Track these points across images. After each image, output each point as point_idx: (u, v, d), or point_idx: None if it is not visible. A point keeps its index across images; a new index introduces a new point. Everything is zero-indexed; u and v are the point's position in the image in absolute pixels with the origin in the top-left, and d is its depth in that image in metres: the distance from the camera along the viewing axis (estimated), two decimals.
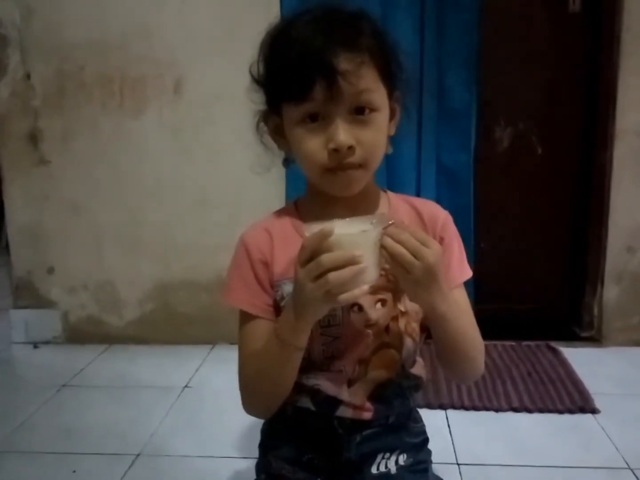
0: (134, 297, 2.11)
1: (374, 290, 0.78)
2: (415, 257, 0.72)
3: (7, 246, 2.31)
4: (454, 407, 1.60)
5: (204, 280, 2.06)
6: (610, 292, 2.00)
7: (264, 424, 0.99)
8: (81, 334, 2.12)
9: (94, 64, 1.98)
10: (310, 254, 0.71)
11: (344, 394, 0.87)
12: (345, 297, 0.71)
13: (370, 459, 0.90)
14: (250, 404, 0.89)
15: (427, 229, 0.89)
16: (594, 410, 1.56)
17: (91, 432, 1.53)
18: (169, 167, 2.04)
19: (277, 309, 0.87)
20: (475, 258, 1.97)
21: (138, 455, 1.42)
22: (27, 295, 2.13)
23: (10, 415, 1.63)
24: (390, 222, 0.74)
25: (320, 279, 0.70)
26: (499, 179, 2.07)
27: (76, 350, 2.06)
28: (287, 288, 0.84)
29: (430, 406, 1.59)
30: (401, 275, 0.74)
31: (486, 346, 0.90)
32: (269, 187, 1.94)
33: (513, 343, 1.99)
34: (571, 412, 1.56)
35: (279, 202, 1.95)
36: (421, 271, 0.73)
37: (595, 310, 2.04)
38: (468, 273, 0.91)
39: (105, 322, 2.12)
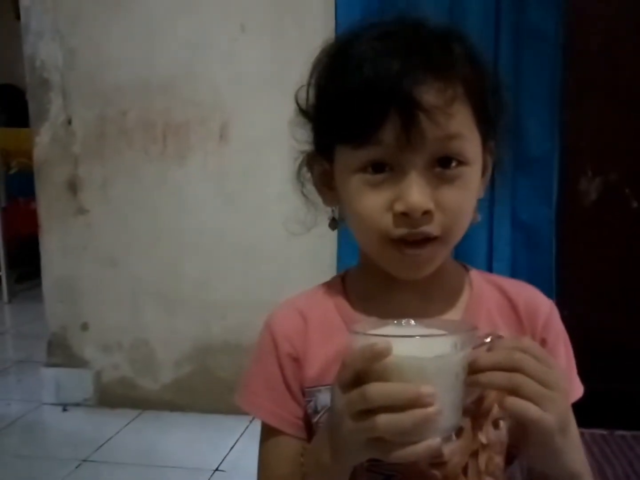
0: (170, 358, 1.96)
1: None
2: (543, 385, 0.50)
3: None
4: None
5: (246, 342, 1.87)
6: None
7: None
8: (113, 397, 1.97)
9: (136, 108, 1.89)
10: (354, 376, 0.49)
11: None
12: (402, 454, 0.47)
13: None
14: None
15: (524, 324, 0.66)
16: None
17: None
18: (213, 218, 1.91)
19: (308, 424, 0.65)
20: None
21: None
22: (60, 352, 2.01)
23: None
24: (487, 340, 0.51)
25: (365, 418, 0.48)
26: (585, 237, 1.82)
27: (106, 416, 1.92)
28: (324, 398, 0.62)
29: None
30: (532, 418, 0.49)
31: None
32: (320, 241, 1.76)
33: (604, 432, 1.70)
34: None
35: (331, 258, 1.78)
36: (562, 404, 0.51)
37: None
38: (579, 391, 0.66)
39: (138, 385, 1.97)
